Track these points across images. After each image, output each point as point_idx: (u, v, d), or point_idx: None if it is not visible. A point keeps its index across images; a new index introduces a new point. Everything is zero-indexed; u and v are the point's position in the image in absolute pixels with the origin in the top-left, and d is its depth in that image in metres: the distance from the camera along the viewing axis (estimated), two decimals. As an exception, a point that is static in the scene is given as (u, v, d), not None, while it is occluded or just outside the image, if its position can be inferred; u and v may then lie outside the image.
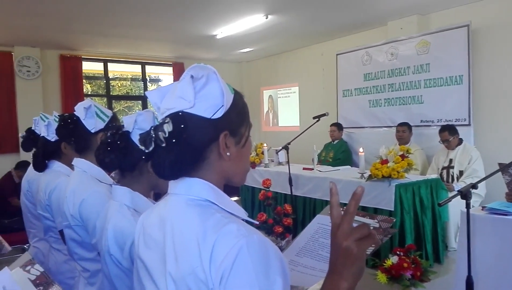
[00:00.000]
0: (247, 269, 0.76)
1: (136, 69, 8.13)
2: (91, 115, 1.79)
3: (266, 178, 4.44)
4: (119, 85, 8.85)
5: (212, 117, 0.88)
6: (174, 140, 0.86)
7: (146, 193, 1.39)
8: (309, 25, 6.08)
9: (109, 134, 1.41)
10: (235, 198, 5.50)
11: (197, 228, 0.83)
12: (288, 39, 6.95)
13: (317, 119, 4.76)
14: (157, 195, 1.53)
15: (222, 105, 0.89)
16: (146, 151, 0.91)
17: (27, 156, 5.55)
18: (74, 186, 1.67)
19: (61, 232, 1.97)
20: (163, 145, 0.87)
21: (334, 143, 6.24)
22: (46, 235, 2.17)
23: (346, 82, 6.58)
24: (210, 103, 0.88)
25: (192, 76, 0.89)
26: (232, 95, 0.93)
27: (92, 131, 1.79)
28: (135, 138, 1.33)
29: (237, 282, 0.76)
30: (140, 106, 8.40)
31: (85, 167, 1.73)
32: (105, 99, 7.82)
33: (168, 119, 0.87)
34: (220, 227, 0.81)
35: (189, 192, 0.90)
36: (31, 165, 2.43)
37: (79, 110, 1.80)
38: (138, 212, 1.30)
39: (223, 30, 6.11)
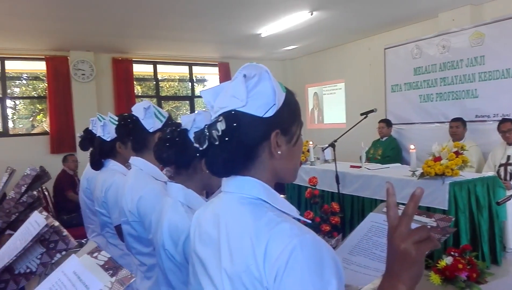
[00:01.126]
0: (301, 269, 0.76)
1: (184, 70, 8.33)
2: (149, 115, 1.84)
3: (313, 176, 4.41)
4: (167, 86, 9.10)
5: (264, 116, 0.88)
6: (227, 138, 0.88)
7: (198, 191, 1.42)
8: (355, 19, 5.96)
9: (168, 130, 1.45)
10: (281, 196, 5.49)
11: (250, 227, 0.84)
12: (334, 34, 6.85)
13: (365, 115, 4.65)
14: (207, 194, 1.56)
15: (274, 104, 0.89)
16: (200, 149, 0.94)
17: (84, 155, 5.85)
18: (132, 184, 1.74)
19: (116, 228, 2.06)
20: (216, 143, 0.89)
21: (383, 140, 6.07)
22: (103, 231, 2.28)
23: (395, 77, 6.38)
24: (262, 102, 0.89)
25: (244, 75, 0.90)
26: (284, 93, 0.93)
27: (150, 130, 1.84)
28: (192, 136, 1.37)
29: (291, 282, 0.76)
30: (187, 106, 8.60)
31: (141, 166, 1.80)
32: (154, 100, 8.08)
33: (221, 118, 0.89)
34: (273, 226, 0.82)
35: (241, 191, 0.91)
36: (88, 164, 2.55)
37: (139, 110, 1.85)
38: (191, 208, 1.33)
39: (268, 29, 6.13)
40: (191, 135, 1.37)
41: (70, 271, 0.76)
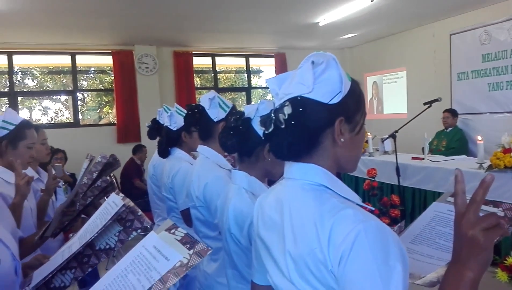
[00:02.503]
0: (365, 254, 0.78)
1: (240, 62, 8.44)
2: (214, 105, 1.92)
3: (371, 168, 4.33)
4: (224, 78, 9.27)
5: (330, 102, 0.90)
6: (292, 122, 0.90)
7: (260, 179, 1.46)
8: (418, 4, 5.70)
9: (232, 119, 1.51)
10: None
11: (314, 212, 0.87)
12: (395, 21, 6.60)
13: (429, 105, 4.47)
14: (270, 182, 1.61)
15: (340, 91, 0.91)
16: (266, 132, 0.98)
17: (148, 144, 6.12)
18: (199, 171, 1.83)
19: (182, 213, 2.18)
20: (282, 126, 0.91)
21: (448, 130, 5.80)
22: (169, 215, 2.42)
23: (461, 64, 6.05)
24: (328, 89, 0.90)
25: (312, 62, 0.92)
26: (349, 82, 0.94)
27: (215, 120, 1.92)
28: (256, 125, 1.40)
29: (356, 266, 0.78)
30: (243, 98, 8.72)
31: (207, 154, 1.88)
32: (211, 92, 8.23)
33: (287, 103, 0.91)
34: (337, 212, 0.84)
35: (304, 177, 0.94)
36: (156, 152, 2.70)
37: (204, 101, 1.94)
38: (254, 195, 1.38)
39: (326, 17, 6.04)
40: (254, 124, 1.41)
41: (150, 245, 0.82)
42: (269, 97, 10.41)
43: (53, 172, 2.14)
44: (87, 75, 7.83)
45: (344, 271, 0.79)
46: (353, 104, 0.94)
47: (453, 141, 5.64)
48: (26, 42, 6.35)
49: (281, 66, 8.09)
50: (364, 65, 8.51)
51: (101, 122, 7.79)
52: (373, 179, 4.16)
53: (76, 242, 1.14)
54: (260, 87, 8.99)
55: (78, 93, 7.32)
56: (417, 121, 4.55)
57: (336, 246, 0.80)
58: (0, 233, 1.25)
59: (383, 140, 5.15)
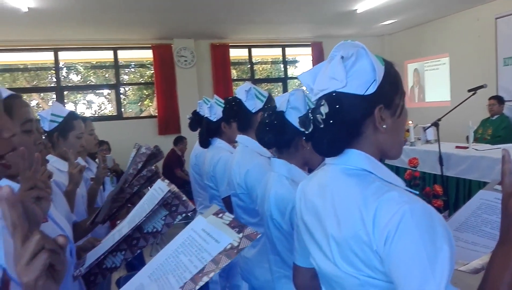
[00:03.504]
0: (412, 234, 0.78)
1: (276, 52, 8.41)
2: (251, 97, 1.95)
3: (413, 157, 4.23)
4: (260, 69, 9.28)
5: (366, 93, 0.90)
6: (331, 121, 0.91)
7: (300, 167, 1.48)
8: (462, -12, 5.47)
9: (266, 115, 1.53)
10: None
11: (357, 195, 0.88)
12: (437, 5, 6.36)
13: (473, 92, 4.29)
14: (309, 170, 1.62)
15: (374, 80, 0.90)
16: (306, 132, 0.99)
17: (187, 135, 6.23)
18: (239, 159, 1.88)
19: (224, 200, 2.24)
20: (321, 126, 0.93)
21: (494, 118, 5.55)
22: (211, 203, 2.48)
23: (508, 49, 5.76)
24: (362, 80, 0.90)
25: (342, 57, 0.92)
26: (383, 67, 0.93)
27: (253, 111, 1.96)
28: (290, 117, 1.42)
29: (401, 246, 0.79)
30: (280, 88, 8.71)
31: (247, 143, 1.92)
32: (246, 83, 8.25)
33: (323, 101, 0.92)
34: (381, 194, 0.84)
35: (346, 163, 0.95)
36: (197, 142, 2.77)
37: (241, 93, 1.98)
38: (295, 181, 1.40)
39: (364, 4, 5.90)
40: (288, 116, 1.43)
41: (199, 228, 0.85)
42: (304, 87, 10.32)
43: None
44: (128, 69, 8.07)
45: (389, 252, 0.80)
46: (390, 88, 0.94)
47: (499, 129, 5.39)
48: (71, 39, 6.62)
49: (318, 56, 7.99)
50: (405, 52, 8.26)
51: (142, 115, 8.02)
52: (414, 168, 4.06)
53: (125, 226, 1.21)
54: (296, 77, 8.94)
55: (120, 87, 7.55)
56: (461, 109, 4.39)
57: (381, 227, 0.81)
58: (56, 217, 1.35)
59: (425, 129, 5.01)
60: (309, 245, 1.05)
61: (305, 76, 1.02)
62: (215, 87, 7.45)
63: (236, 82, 8.01)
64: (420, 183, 4.04)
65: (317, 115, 0.93)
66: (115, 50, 7.17)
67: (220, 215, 0.85)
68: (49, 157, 1.97)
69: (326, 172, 1.02)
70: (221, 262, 0.72)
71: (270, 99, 1.97)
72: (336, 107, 0.90)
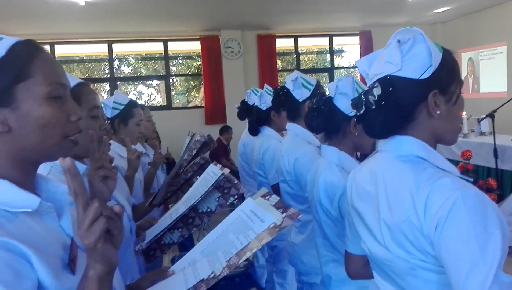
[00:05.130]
0: (463, 220, 0.79)
1: (323, 42, 8.30)
2: (298, 86, 1.98)
3: (466, 149, 4.08)
4: (306, 59, 9.21)
5: (421, 78, 0.91)
6: (383, 102, 0.93)
7: (350, 153, 1.49)
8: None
9: (314, 100, 1.56)
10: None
11: (410, 181, 0.89)
12: (495, -9, 6.02)
13: (533, 82, 4.06)
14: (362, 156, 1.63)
15: (431, 65, 0.91)
16: (358, 114, 1.01)
17: (233, 125, 6.33)
18: (289, 147, 1.92)
19: (272, 187, 2.29)
20: (373, 107, 0.95)
21: (555, 110, 5.22)
22: (259, 190, 2.54)
23: None
24: (417, 64, 0.91)
25: (398, 41, 0.93)
26: (440, 53, 0.93)
27: (300, 100, 1.98)
28: (338, 102, 1.44)
29: (453, 231, 0.80)
30: (325, 79, 8.61)
31: (296, 131, 1.96)
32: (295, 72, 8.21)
33: (376, 84, 0.94)
34: (434, 180, 0.85)
35: (399, 149, 0.96)
36: (245, 131, 2.84)
37: (288, 82, 2.01)
38: (344, 168, 1.43)
39: (416, -9, 5.70)
40: (337, 102, 1.44)
41: (248, 209, 0.92)
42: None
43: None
44: (176, 60, 8.29)
45: (440, 237, 0.82)
46: (446, 75, 0.94)
47: None
48: (124, 31, 6.88)
49: (367, 45, 7.80)
50: (458, 41, 7.89)
51: (189, 106, 8.23)
52: (467, 161, 3.92)
53: (181, 206, 1.29)
54: (343, 67, 8.80)
55: (170, 78, 7.78)
56: (519, 100, 4.17)
57: (432, 212, 0.83)
58: (118, 198, 1.46)
59: (479, 121, 4.80)
60: (361, 231, 1.08)
61: (362, 62, 1.04)
62: (261, 77, 7.49)
63: (281, 73, 8.02)
64: (473, 176, 3.89)
65: (369, 97, 0.95)
66: (165, 42, 7.38)
67: (267, 197, 0.91)
68: (111, 142, 2.10)
69: (378, 159, 1.04)
70: (264, 239, 0.78)
71: (318, 87, 1.99)
72: (389, 89, 0.92)
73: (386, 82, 0.93)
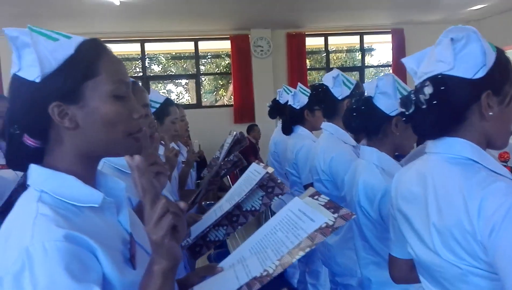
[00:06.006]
0: None
1: (353, 40, 8.19)
2: (338, 83, 1.95)
3: (504, 151, 3.94)
4: (334, 58, 9.12)
5: (474, 77, 0.88)
6: (434, 102, 0.91)
7: (390, 154, 1.45)
8: None
9: (354, 100, 1.53)
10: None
11: (462, 185, 0.87)
12: (536, -13, 5.79)
13: None
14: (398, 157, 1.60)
15: (484, 65, 0.88)
16: (406, 113, 0.99)
17: (260, 123, 6.33)
18: (324, 146, 1.91)
19: (305, 187, 2.28)
20: (424, 107, 0.92)
21: None
22: (291, 189, 2.54)
23: None
24: (470, 64, 0.89)
25: (452, 39, 0.91)
26: (494, 53, 0.91)
27: (339, 98, 1.95)
28: (378, 102, 1.41)
29: (508, 236, 0.78)
30: (355, 77, 8.49)
31: (332, 130, 1.94)
32: (321, 72, 8.17)
33: (427, 82, 0.92)
34: (487, 184, 0.83)
35: (449, 151, 0.94)
36: (276, 129, 2.84)
37: (328, 79, 1.98)
38: (385, 170, 1.40)
39: (452, -12, 5.54)
40: (377, 101, 1.41)
41: (295, 208, 0.91)
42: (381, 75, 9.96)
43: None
44: (205, 59, 8.37)
45: (494, 243, 0.80)
46: (500, 75, 0.91)
47: None
48: (156, 30, 6.99)
49: (399, 43, 7.64)
50: (496, 39, 7.29)
51: (217, 104, 8.30)
52: (505, 163, 3.80)
53: (224, 204, 1.30)
54: (372, 66, 8.66)
55: (200, 77, 7.86)
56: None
57: (486, 218, 0.81)
58: (165, 194, 1.49)
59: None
60: (407, 235, 1.06)
61: (409, 60, 1.02)
62: (290, 76, 7.47)
63: (310, 72, 7.96)
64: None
65: (420, 96, 0.92)
66: (196, 41, 7.45)
67: (316, 197, 0.90)
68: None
69: (426, 161, 1.02)
70: (317, 238, 0.77)
71: (357, 87, 1.96)
72: (441, 88, 0.90)
73: (438, 80, 0.91)
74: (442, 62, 0.91)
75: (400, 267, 1.18)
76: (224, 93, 8.96)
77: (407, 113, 0.98)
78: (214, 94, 9.00)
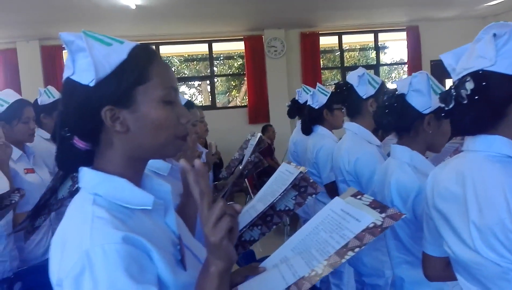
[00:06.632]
0: None
1: (367, 39, 8.14)
2: (363, 82, 1.92)
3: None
4: (347, 56, 9.08)
5: None
6: (476, 97, 0.90)
7: (421, 152, 1.44)
8: None
9: (386, 97, 1.50)
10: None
11: (503, 183, 0.86)
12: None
13: None
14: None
15: None
16: (446, 108, 0.98)
17: (275, 124, 6.31)
18: (348, 146, 1.89)
19: (326, 186, 2.27)
20: (465, 102, 0.91)
21: None
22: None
23: None
24: None
25: (494, 34, 0.89)
26: None
27: (364, 97, 1.92)
28: (411, 99, 1.39)
29: None
30: (370, 75, 8.43)
31: (356, 130, 1.91)
32: (334, 71, 8.12)
33: (468, 78, 0.90)
34: None
35: (488, 149, 0.93)
36: (295, 129, 2.83)
37: (353, 78, 1.95)
38: (417, 169, 1.38)
39: (468, -17, 5.47)
40: (409, 99, 1.39)
41: (337, 208, 0.89)
42: (393, 74, 9.89)
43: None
44: (217, 61, 8.40)
45: None
46: None
47: None
48: (170, 33, 7.04)
49: (414, 40, 7.56)
50: None
51: (229, 105, 8.32)
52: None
53: (257, 204, 1.30)
54: (386, 64, 8.59)
55: (214, 78, 7.89)
56: None
57: None
58: None
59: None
60: (444, 233, 1.04)
61: (448, 56, 1.01)
62: (304, 76, 7.44)
63: (323, 71, 7.92)
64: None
65: (461, 91, 0.91)
66: (209, 43, 7.48)
67: (359, 196, 0.88)
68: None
69: (464, 159, 1.00)
70: (365, 239, 0.75)
71: (383, 87, 1.94)
72: (482, 84, 0.89)
73: (479, 76, 0.90)
74: (483, 58, 0.90)
75: (435, 265, 1.17)
76: (237, 94, 8.98)
77: (446, 108, 0.97)
78: (227, 95, 9.03)
